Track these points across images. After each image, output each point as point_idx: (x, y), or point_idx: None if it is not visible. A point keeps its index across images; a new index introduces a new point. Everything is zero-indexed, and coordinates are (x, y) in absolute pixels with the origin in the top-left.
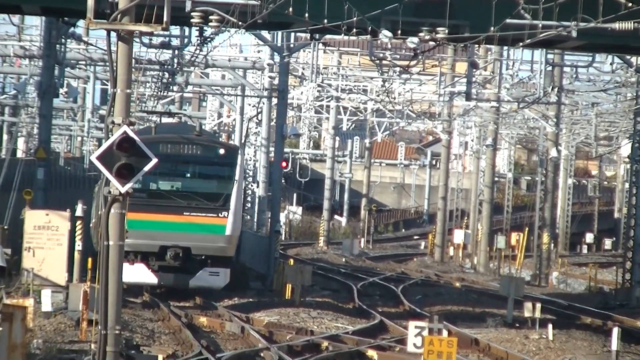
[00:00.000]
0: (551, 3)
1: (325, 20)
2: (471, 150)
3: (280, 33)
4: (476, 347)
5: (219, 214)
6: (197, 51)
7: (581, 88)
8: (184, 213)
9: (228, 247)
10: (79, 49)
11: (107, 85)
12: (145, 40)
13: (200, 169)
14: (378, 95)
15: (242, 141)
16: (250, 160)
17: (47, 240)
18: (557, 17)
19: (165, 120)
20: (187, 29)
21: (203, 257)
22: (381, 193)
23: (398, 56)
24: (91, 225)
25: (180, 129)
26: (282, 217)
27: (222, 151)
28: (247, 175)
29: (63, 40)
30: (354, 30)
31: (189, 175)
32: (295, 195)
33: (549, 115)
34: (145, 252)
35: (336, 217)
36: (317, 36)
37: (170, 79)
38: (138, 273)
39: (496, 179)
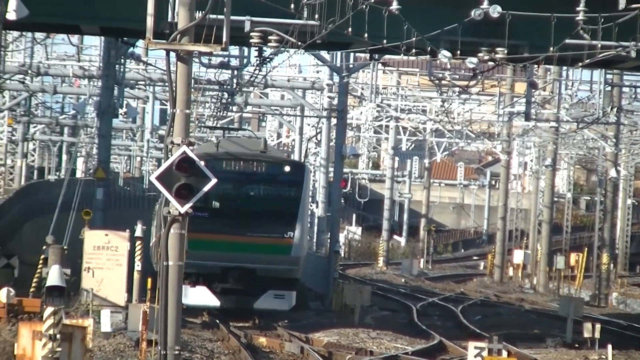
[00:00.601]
0: (610, 23)
1: (385, 40)
2: (530, 171)
3: (339, 53)
4: None
5: (285, 235)
6: (256, 71)
7: None
8: (248, 233)
9: (294, 269)
10: (138, 69)
11: (166, 105)
12: (205, 60)
13: (265, 187)
14: (437, 115)
15: (302, 161)
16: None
17: (106, 260)
18: (616, 37)
19: (228, 135)
20: (246, 49)
21: (268, 279)
22: (440, 213)
23: (457, 76)
24: (151, 245)
25: (245, 145)
26: (342, 238)
27: (288, 168)
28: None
29: (122, 60)
30: (413, 50)
31: (253, 193)
32: (354, 215)
33: (608, 136)
34: (208, 273)
35: (395, 237)
36: (376, 56)
37: (229, 99)
38: (200, 295)
39: (555, 199)
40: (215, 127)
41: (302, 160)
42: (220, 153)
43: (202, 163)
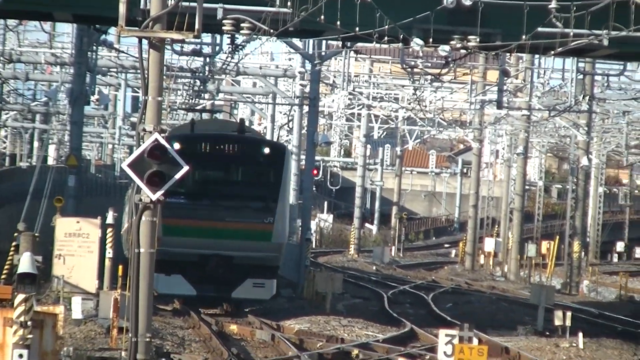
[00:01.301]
0: (583, 12)
1: (357, 28)
2: (502, 159)
3: (311, 41)
4: (507, 356)
5: (264, 220)
6: (229, 59)
7: (612, 96)
8: (226, 219)
9: (274, 256)
10: (110, 56)
11: (138, 92)
12: (177, 47)
13: (243, 170)
14: (409, 103)
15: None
16: None
17: (77, 247)
18: (588, 26)
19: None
20: (218, 37)
21: (246, 267)
22: (412, 201)
23: (429, 64)
24: (122, 232)
25: (221, 126)
26: (313, 225)
27: (267, 150)
28: None
29: (94, 47)
30: (386, 38)
31: (230, 176)
32: (326, 203)
33: (580, 124)
34: (183, 261)
35: (367, 225)
36: (348, 44)
37: (201, 87)
38: (175, 284)
39: (527, 187)
40: (190, 109)
41: None
42: (196, 134)
43: (177, 144)
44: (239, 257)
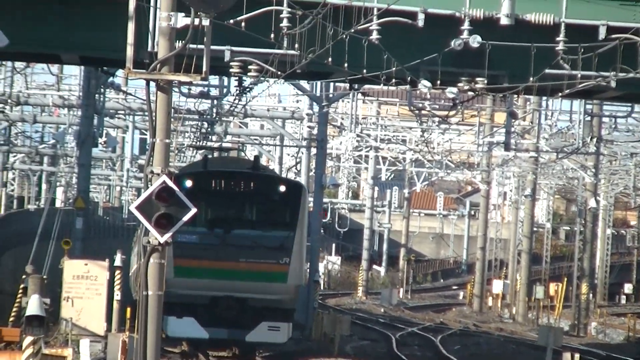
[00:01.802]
0: (590, 53)
1: (364, 70)
2: (510, 201)
3: (319, 83)
4: None
5: (280, 261)
6: (236, 101)
7: (620, 138)
8: (239, 259)
9: (289, 298)
10: (118, 98)
11: (146, 134)
12: (185, 90)
13: (258, 208)
14: (417, 145)
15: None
16: None
17: (85, 289)
18: (596, 68)
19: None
20: (226, 79)
21: (261, 309)
22: (420, 243)
23: (437, 106)
24: (130, 274)
25: (234, 164)
26: (321, 267)
27: (283, 187)
28: None
29: (102, 89)
30: (393, 80)
31: (245, 215)
32: (334, 245)
33: (588, 166)
34: (195, 303)
35: (375, 267)
36: (356, 86)
37: (209, 129)
38: (186, 327)
39: (535, 229)
40: (200, 147)
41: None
42: (209, 171)
43: (189, 182)
44: (253, 299)
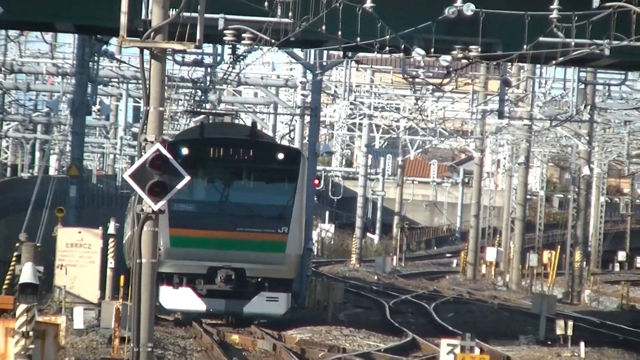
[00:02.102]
0: (584, 21)
1: (358, 38)
2: (503, 168)
3: (313, 51)
4: None
5: (278, 230)
6: (230, 69)
7: (614, 106)
8: (237, 229)
9: (288, 269)
10: (112, 66)
11: (139, 102)
12: (178, 58)
13: (256, 176)
14: (411, 113)
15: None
16: None
17: (79, 257)
18: (590, 36)
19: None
20: (219, 47)
21: (259, 280)
22: (413, 211)
23: (431, 74)
24: (124, 242)
25: (231, 130)
26: (315, 235)
27: (281, 155)
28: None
29: (96, 58)
30: (387, 48)
31: (242, 183)
32: (327, 213)
33: (582, 133)
34: (192, 274)
35: (368, 234)
36: (349, 54)
37: (202, 97)
38: (183, 299)
39: (528, 196)
40: (196, 111)
41: None
42: (205, 138)
43: (185, 149)
44: (251, 270)
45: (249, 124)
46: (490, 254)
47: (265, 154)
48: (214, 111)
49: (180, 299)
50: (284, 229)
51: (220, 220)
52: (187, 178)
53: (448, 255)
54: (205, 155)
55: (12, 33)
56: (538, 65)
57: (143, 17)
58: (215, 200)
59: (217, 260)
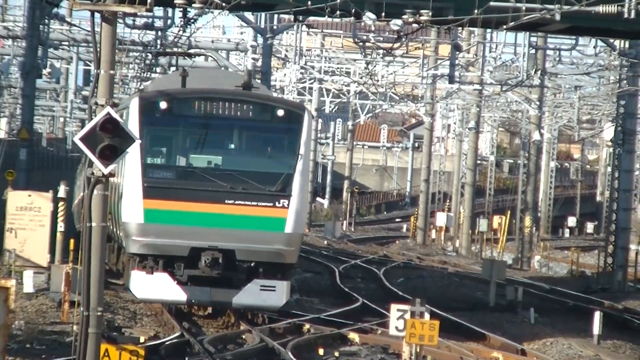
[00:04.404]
0: None
1: (309, 2)
2: (454, 133)
3: (263, 15)
4: (458, 331)
5: (277, 203)
6: (181, 32)
7: (564, 71)
8: (226, 201)
9: (288, 251)
10: (62, 29)
11: (90, 66)
12: (129, 21)
13: (250, 138)
14: (361, 78)
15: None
16: None
17: (29, 221)
18: (541, 0)
19: (197, 64)
20: (170, 10)
21: (252, 265)
22: (363, 175)
23: (381, 38)
24: (73, 206)
25: (220, 79)
26: None
27: (281, 112)
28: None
29: (46, 20)
30: (338, 12)
31: (233, 146)
32: None
33: (532, 99)
34: (170, 256)
35: (318, 199)
36: (300, 18)
37: (153, 61)
38: (159, 287)
39: (479, 162)
40: (170, 52)
41: None
42: (188, 90)
43: (163, 104)
44: (242, 252)
45: (245, 71)
46: (440, 219)
47: (263, 111)
48: (186, 51)
49: (156, 286)
50: (284, 202)
51: (205, 191)
52: (138, 141)
53: (398, 220)
54: (188, 110)
55: None
56: (489, 30)
57: None
58: (199, 166)
59: (201, 239)
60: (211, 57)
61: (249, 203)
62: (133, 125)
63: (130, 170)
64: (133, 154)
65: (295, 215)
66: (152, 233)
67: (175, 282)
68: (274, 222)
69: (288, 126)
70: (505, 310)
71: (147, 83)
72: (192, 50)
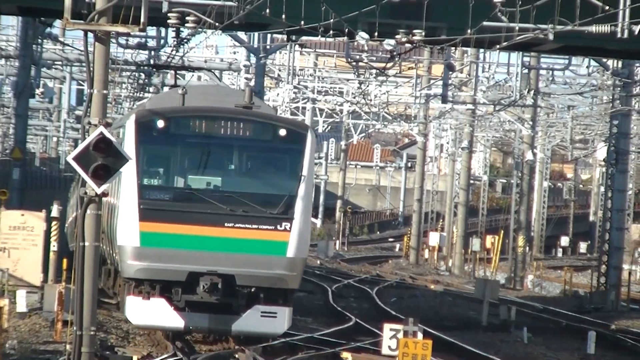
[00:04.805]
0: (528, 6)
1: (302, 22)
2: (447, 153)
3: (256, 34)
4: (451, 350)
5: (278, 226)
6: (174, 52)
7: (557, 91)
8: (226, 224)
9: (290, 276)
10: (56, 49)
11: (83, 85)
12: (122, 41)
13: (251, 158)
14: (354, 97)
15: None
16: None
17: (22, 240)
18: (534, 20)
19: (197, 82)
20: (163, 30)
21: (252, 290)
22: (356, 195)
23: (374, 58)
24: (67, 225)
25: (220, 96)
26: None
27: (284, 132)
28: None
29: (39, 40)
30: (331, 31)
31: (234, 166)
32: None
33: (525, 118)
34: (167, 281)
35: (311, 219)
36: (293, 37)
37: (146, 80)
38: (156, 313)
39: (472, 181)
40: (167, 66)
41: None
42: (187, 109)
43: (161, 122)
44: (242, 277)
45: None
46: (433, 238)
47: (264, 129)
48: (185, 66)
49: (152, 312)
50: (286, 226)
51: (204, 213)
52: (132, 160)
53: (391, 239)
54: (186, 129)
55: None
56: (482, 50)
57: None
58: (198, 187)
59: (199, 263)
60: (208, 72)
61: (250, 226)
62: (129, 144)
63: (126, 191)
64: (129, 174)
65: (297, 239)
66: (148, 257)
67: (173, 308)
68: (275, 245)
69: (291, 146)
70: (499, 330)
71: (145, 101)
72: (191, 66)
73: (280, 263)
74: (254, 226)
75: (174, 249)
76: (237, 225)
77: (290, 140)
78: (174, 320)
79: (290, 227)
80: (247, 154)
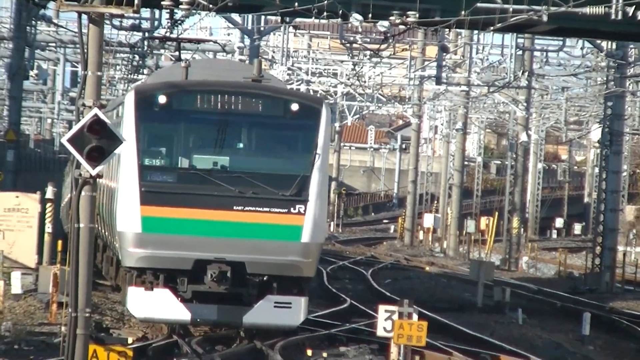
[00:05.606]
0: None
1: (296, 3)
2: (441, 134)
3: (250, 16)
4: (446, 332)
5: (292, 209)
6: (168, 34)
7: (551, 72)
8: (235, 207)
9: (305, 263)
10: (49, 31)
11: (77, 67)
12: (116, 22)
13: (261, 136)
14: (348, 79)
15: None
16: None
17: (17, 222)
18: (528, 1)
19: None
20: (157, 12)
21: (265, 279)
22: (351, 177)
23: (368, 40)
24: (61, 207)
25: (227, 70)
26: None
27: (296, 106)
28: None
29: (33, 22)
30: (325, 13)
31: (243, 145)
32: None
33: (519, 100)
34: (172, 270)
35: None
36: (287, 19)
37: (140, 62)
38: (159, 304)
39: (466, 163)
40: (167, 37)
41: None
42: (191, 83)
43: (162, 98)
44: (253, 265)
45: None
46: (428, 220)
47: (275, 104)
48: (191, 38)
49: (156, 304)
50: (300, 208)
51: (211, 196)
52: (124, 141)
53: (385, 221)
54: (191, 105)
55: None
56: (476, 31)
57: None
58: (204, 167)
59: (206, 250)
60: (216, 42)
61: (261, 209)
62: (129, 122)
63: (125, 172)
64: (129, 155)
65: (313, 223)
66: (151, 244)
67: (178, 299)
68: (289, 230)
69: (304, 122)
70: (493, 311)
71: (146, 76)
72: (195, 37)
73: (295, 249)
74: (266, 209)
75: (179, 235)
76: (247, 208)
77: (304, 115)
78: (179, 312)
79: (304, 210)
80: (257, 130)
